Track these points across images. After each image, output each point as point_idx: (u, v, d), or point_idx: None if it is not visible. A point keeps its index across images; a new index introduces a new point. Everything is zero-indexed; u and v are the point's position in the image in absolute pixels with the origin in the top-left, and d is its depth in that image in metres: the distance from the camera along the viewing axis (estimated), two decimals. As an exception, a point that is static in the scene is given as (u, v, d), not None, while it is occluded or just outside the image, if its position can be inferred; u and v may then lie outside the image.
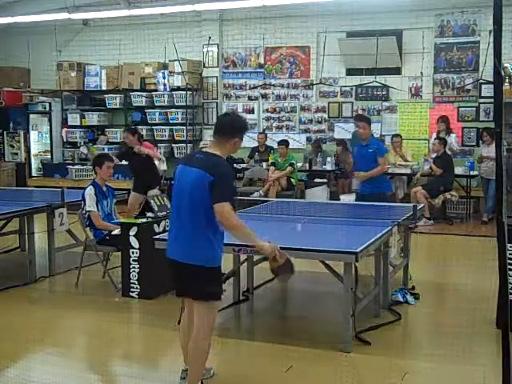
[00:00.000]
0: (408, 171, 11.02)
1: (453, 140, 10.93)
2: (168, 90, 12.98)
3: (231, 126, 3.97)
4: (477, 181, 10.99)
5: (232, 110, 12.42)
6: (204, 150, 4.07)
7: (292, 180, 11.27)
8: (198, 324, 3.91)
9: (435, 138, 10.68)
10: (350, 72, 12.34)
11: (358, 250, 4.59)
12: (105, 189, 6.91)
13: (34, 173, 14.14)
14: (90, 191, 6.70)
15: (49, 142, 14.05)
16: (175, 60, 12.68)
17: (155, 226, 6.28)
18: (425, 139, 11.73)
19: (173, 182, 4.07)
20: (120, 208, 7.77)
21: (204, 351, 3.92)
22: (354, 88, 12.28)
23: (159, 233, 6.04)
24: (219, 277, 4.07)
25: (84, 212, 6.73)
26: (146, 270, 6.14)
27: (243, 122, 4.12)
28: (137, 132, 8.99)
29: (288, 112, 12.90)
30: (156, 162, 9.42)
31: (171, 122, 13.17)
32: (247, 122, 4.24)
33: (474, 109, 11.57)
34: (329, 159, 11.63)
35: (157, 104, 13.26)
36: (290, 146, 11.49)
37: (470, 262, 7.47)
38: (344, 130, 12.29)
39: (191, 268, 3.83)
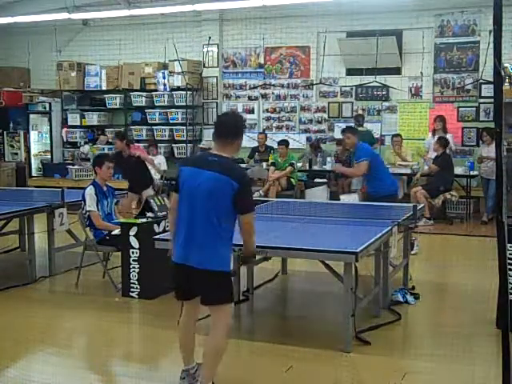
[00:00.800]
0: (408, 171, 11.01)
1: (450, 140, 10.93)
2: (168, 89, 12.98)
3: (235, 128, 3.96)
4: (477, 181, 10.99)
5: (231, 110, 12.37)
6: (212, 152, 4.00)
7: (292, 180, 11.27)
8: (217, 325, 3.92)
9: (437, 138, 10.66)
10: (350, 72, 12.34)
11: (358, 250, 4.59)
12: (105, 189, 6.91)
13: (34, 173, 14.15)
14: (90, 191, 6.70)
15: (49, 141, 14.06)
16: (175, 60, 12.68)
17: (155, 225, 6.27)
18: (425, 139, 11.71)
19: (180, 184, 3.93)
20: (119, 208, 7.77)
21: (222, 350, 3.94)
22: (353, 88, 12.28)
23: (159, 233, 6.03)
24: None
25: (84, 212, 6.73)
26: (146, 270, 6.13)
27: (243, 121, 4.14)
28: (124, 137, 9.21)
29: (288, 112, 12.91)
30: (155, 162, 9.59)
31: (171, 121, 13.17)
32: (242, 118, 4.24)
33: (474, 109, 11.57)
34: (329, 159, 11.63)
35: (157, 104, 13.26)
36: (290, 146, 11.49)
37: (470, 262, 7.48)
38: (344, 130, 12.27)
39: (209, 274, 3.80)
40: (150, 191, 9.08)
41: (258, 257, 4.25)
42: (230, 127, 3.96)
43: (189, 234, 3.86)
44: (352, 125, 11.81)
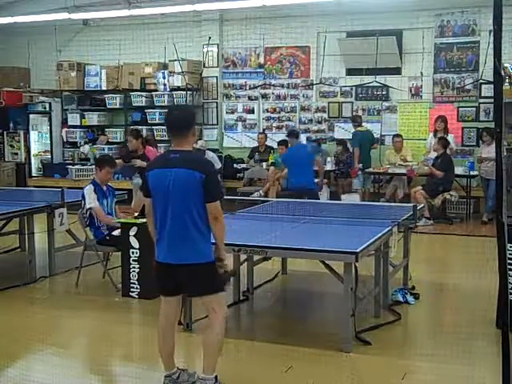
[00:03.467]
0: (408, 171, 11.02)
1: (450, 140, 10.93)
2: (168, 90, 12.97)
3: (185, 121, 4.07)
4: (477, 181, 10.99)
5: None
6: (172, 149, 4.07)
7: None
8: (212, 318, 3.99)
9: (438, 138, 10.65)
10: (350, 72, 12.33)
11: (357, 250, 4.59)
12: (105, 188, 6.90)
13: (34, 173, 14.13)
14: (89, 189, 6.70)
15: (49, 141, 14.04)
16: (175, 60, 12.67)
17: (155, 226, 6.27)
18: (425, 139, 11.71)
19: (150, 188, 3.97)
20: (122, 208, 7.72)
21: (220, 343, 4.01)
22: (353, 88, 12.28)
23: (159, 233, 6.03)
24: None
25: (84, 211, 6.72)
26: (146, 270, 6.12)
27: (191, 111, 4.29)
28: (140, 136, 8.96)
29: (288, 112, 12.89)
30: None
31: (171, 121, 13.13)
32: (192, 107, 4.29)
33: (474, 109, 11.57)
34: (329, 159, 11.63)
35: (157, 104, 13.24)
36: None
37: (470, 262, 7.47)
38: (344, 130, 12.29)
39: (197, 267, 3.88)
40: None
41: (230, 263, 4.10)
42: (181, 121, 4.05)
43: (169, 233, 3.92)
44: (350, 125, 11.84)
